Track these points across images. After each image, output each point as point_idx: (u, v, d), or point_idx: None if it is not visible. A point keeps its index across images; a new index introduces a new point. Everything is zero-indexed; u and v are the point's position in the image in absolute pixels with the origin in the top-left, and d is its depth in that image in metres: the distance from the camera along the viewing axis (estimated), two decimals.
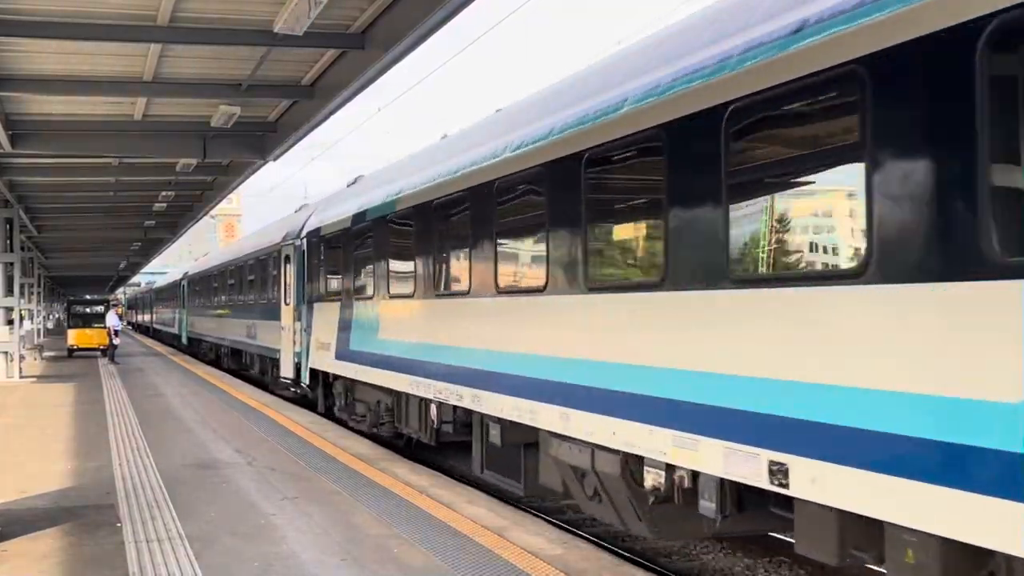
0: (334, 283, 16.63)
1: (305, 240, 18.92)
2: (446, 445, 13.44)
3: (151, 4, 12.02)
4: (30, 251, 38.94)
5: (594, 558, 7.92)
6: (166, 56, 14.35)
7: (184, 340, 45.17)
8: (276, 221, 27.54)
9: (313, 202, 23.29)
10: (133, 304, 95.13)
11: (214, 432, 15.76)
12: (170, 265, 77.65)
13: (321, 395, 18.42)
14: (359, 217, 14.81)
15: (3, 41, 13.30)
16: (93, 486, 11.17)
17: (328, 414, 17.93)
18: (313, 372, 18.31)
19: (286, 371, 20.71)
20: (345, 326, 15.54)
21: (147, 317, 75.23)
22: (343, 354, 15.68)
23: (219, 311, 33.63)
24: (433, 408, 12.08)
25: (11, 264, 28.04)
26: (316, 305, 17.89)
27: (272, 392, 23.40)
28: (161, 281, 65.97)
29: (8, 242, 27.98)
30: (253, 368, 27.95)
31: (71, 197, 29.43)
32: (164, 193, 27.79)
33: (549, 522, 9.69)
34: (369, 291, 14.32)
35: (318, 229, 17.74)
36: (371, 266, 14.27)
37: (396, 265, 13.40)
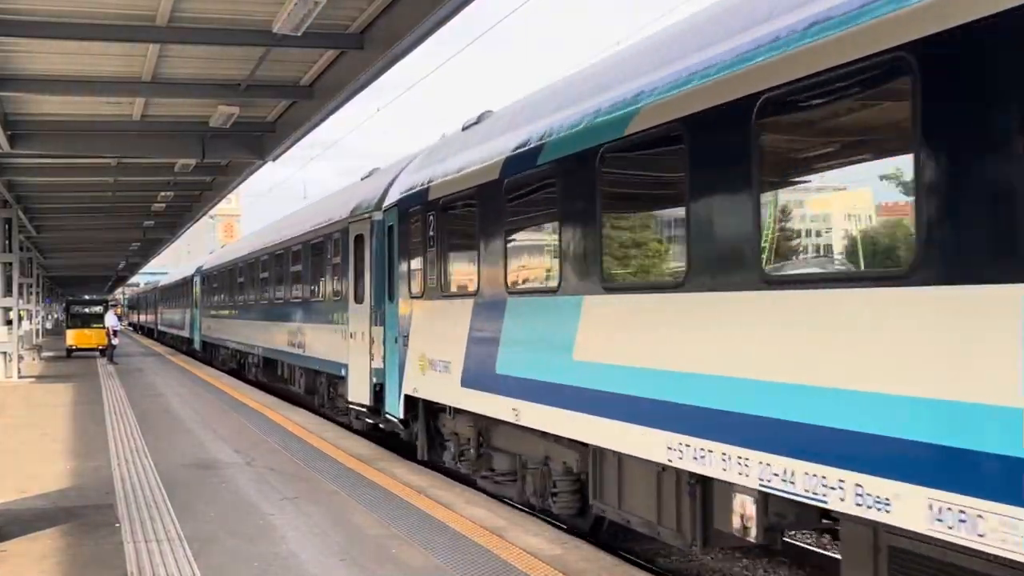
0: (460, 270, 11.32)
1: (395, 211, 13.26)
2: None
3: (150, 4, 12.02)
4: (29, 251, 38.96)
5: (593, 558, 7.93)
6: (165, 56, 14.35)
7: (197, 345, 39.65)
8: (331, 194, 21.90)
9: (388, 164, 17.52)
10: (135, 304, 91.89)
11: (213, 432, 15.76)
12: (169, 266, 77.58)
13: (423, 434, 12.65)
14: (522, 160, 9.31)
15: (3, 41, 13.30)
16: (92, 486, 11.17)
17: (429, 461, 12.73)
18: (410, 400, 12.78)
19: (358, 394, 15.30)
20: (486, 336, 10.14)
21: (151, 318, 68.21)
22: (479, 379, 10.32)
23: (246, 311, 27.71)
24: (746, 504, 6.54)
25: (10, 264, 28.06)
26: (419, 304, 12.27)
27: (328, 418, 18.19)
28: (167, 278, 58.78)
29: (7, 242, 27.99)
30: (296, 384, 21.86)
31: (70, 197, 29.47)
32: (163, 193, 27.81)
33: (548, 523, 9.68)
34: (550, 280, 8.93)
35: (422, 192, 12.11)
36: (553, 238, 8.83)
37: (631, 232, 8.28)
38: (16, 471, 12.20)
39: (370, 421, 15.41)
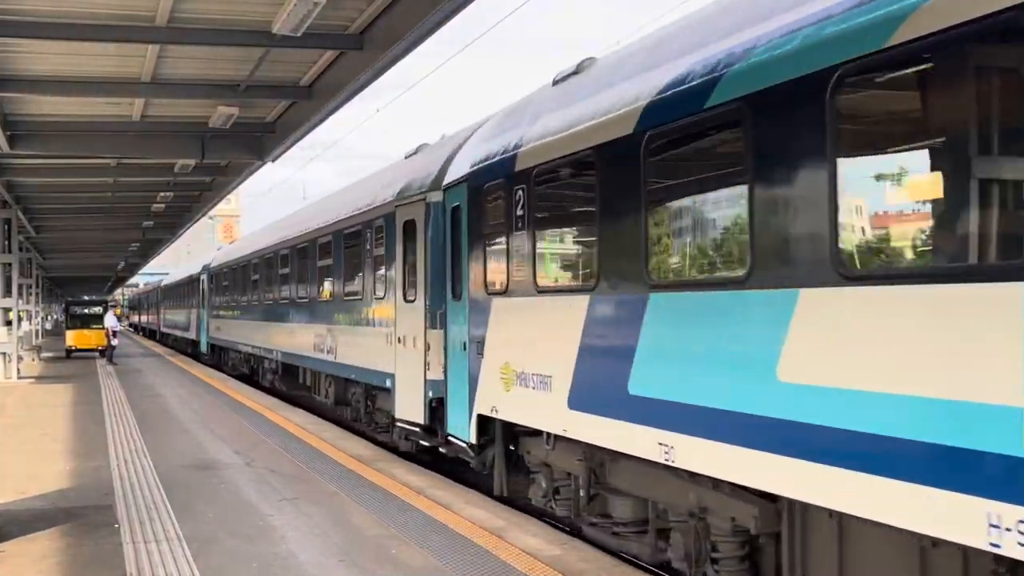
0: (566, 257, 9.26)
1: (462, 188, 10.85)
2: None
3: (149, 5, 12.02)
4: (28, 252, 38.98)
5: (592, 559, 7.94)
6: (164, 57, 14.35)
7: (204, 348, 36.71)
8: (367, 176, 19.02)
9: (439, 139, 15.13)
10: (136, 304, 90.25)
11: (212, 433, 15.76)
12: (169, 266, 77.63)
13: (502, 464, 10.47)
14: (678, 103, 6.86)
15: (3, 42, 13.31)
16: (91, 487, 11.17)
17: (508, 498, 10.60)
18: (483, 421, 10.43)
19: (408, 411, 12.95)
20: (611, 345, 7.80)
21: (154, 319, 64.56)
22: (598, 401, 7.88)
23: (263, 312, 24.90)
24: None
25: (9, 265, 28.08)
26: (501, 302, 9.80)
27: (366, 436, 15.69)
28: (171, 277, 54.78)
29: (6, 243, 28.02)
30: (321, 394, 19.47)
31: (69, 198, 29.50)
32: (162, 194, 27.82)
33: (547, 523, 9.68)
34: (729, 267, 6.60)
35: (506, 161, 9.65)
36: (735, 207, 6.54)
37: (905, 191, 5.50)
38: (15, 471, 12.20)
39: (425, 443, 13.05)
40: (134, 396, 22.43)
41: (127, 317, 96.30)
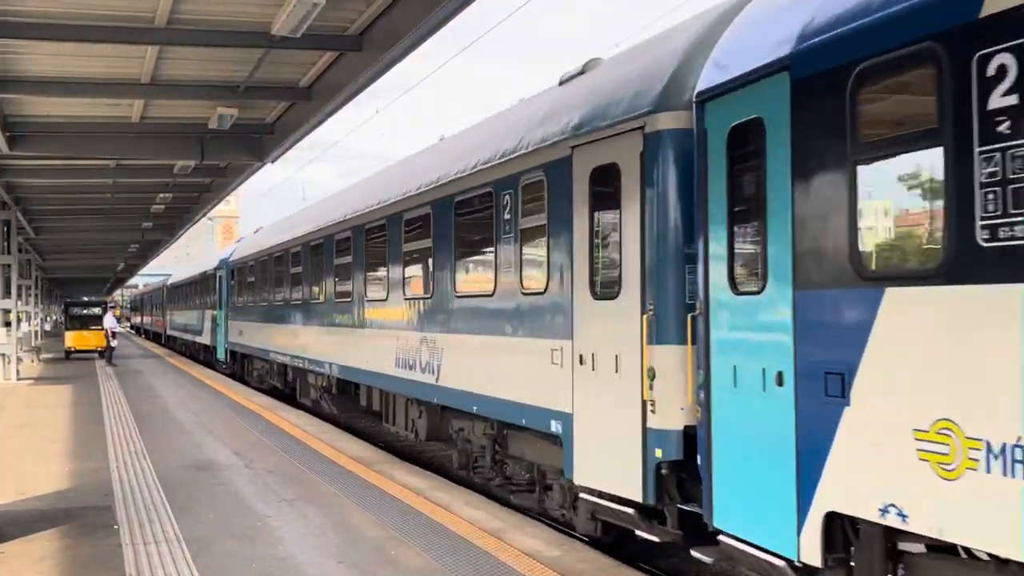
0: None
1: (774, 87, 6.31)
2: None
3: (149, 5, 12.02)
4: (27, 253, 38.98)
5: (592, 560, 7.94)
6: (164, 58, 14.36)
7: (221, 355, 31.50)
8: (480, 122, 13.51)
9: (616, 54, 10.10)
10: (139, 305, 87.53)
11: (211, 434, 15.76)
12: (168, 267, 77.63)
13: None
14: None
15: (2, 43, 13.31)
16: (91, 488, 11.17)
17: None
18: (829, 523, 5.86)
19: (605, 478, 8.38)
20: None
21: (159, 320, 59.70)
22: None
23: (308, 313, 19.81)
24: None
25: (8, 266, 28.08)
26: (908, 298, 5.19)
27: (492, 496, 11.24)
28: (179, 275, 48.96)
29: (6, 244, 28.03)
30: (403, 424, 14.37)
31: (69, 199, 29.48)
32: (162, 195, 27.81)
33: (547, 524, 9.68)
34: None
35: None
36: None
37: None
38: (15, 472, 12.20)
39: (645, 535, 8.11)
40: (133, 397, 22.43)
41: (128, 319, 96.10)
